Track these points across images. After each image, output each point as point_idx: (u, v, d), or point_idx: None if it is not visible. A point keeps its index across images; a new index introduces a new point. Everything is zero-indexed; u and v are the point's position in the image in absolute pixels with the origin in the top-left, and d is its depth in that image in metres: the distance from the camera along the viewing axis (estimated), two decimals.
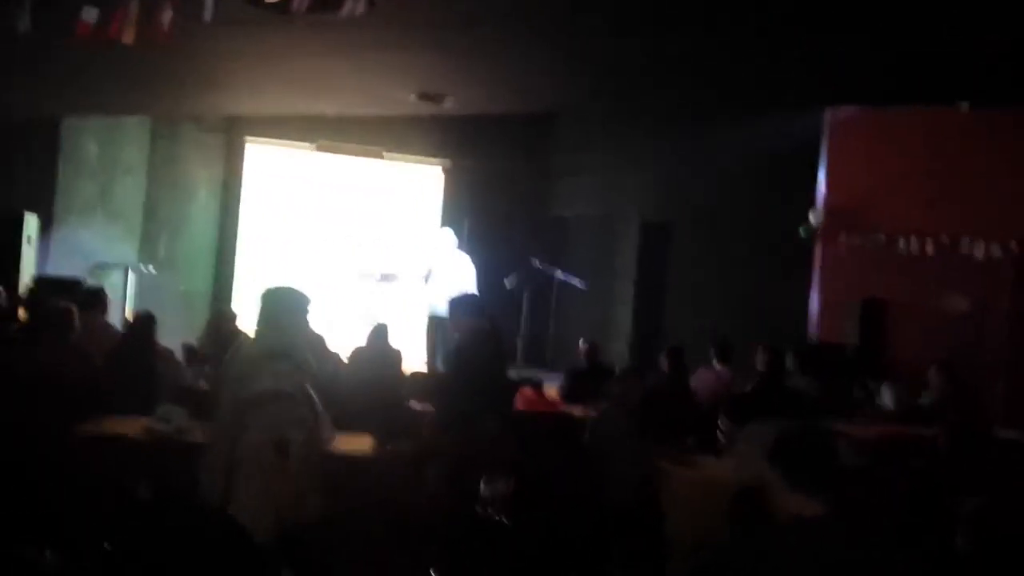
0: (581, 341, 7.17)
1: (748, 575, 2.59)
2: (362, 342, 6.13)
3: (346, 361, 5.95)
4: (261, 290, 3.85)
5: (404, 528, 3.74)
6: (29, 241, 8.47)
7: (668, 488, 4.30)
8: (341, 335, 7.66)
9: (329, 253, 9.84)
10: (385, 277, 8.81)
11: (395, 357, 5.87)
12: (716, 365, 7.07)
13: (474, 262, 8.75)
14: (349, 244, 9.18)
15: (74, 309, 5.51)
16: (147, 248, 10.55)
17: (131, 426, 4.04)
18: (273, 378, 3.53)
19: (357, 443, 4.22)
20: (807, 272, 8.90)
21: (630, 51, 5.91)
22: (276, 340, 3.61)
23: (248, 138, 11.24)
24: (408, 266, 8.78)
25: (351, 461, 4.09)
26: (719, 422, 4.89)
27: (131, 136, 10.43)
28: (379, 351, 5.87)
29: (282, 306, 3.71)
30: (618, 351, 10.07)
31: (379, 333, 6.07)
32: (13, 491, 3.09)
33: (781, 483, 2.73)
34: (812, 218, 8.68)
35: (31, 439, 3.78)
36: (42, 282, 7.91)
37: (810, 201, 8.88)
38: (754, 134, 9.30)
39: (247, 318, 7.35)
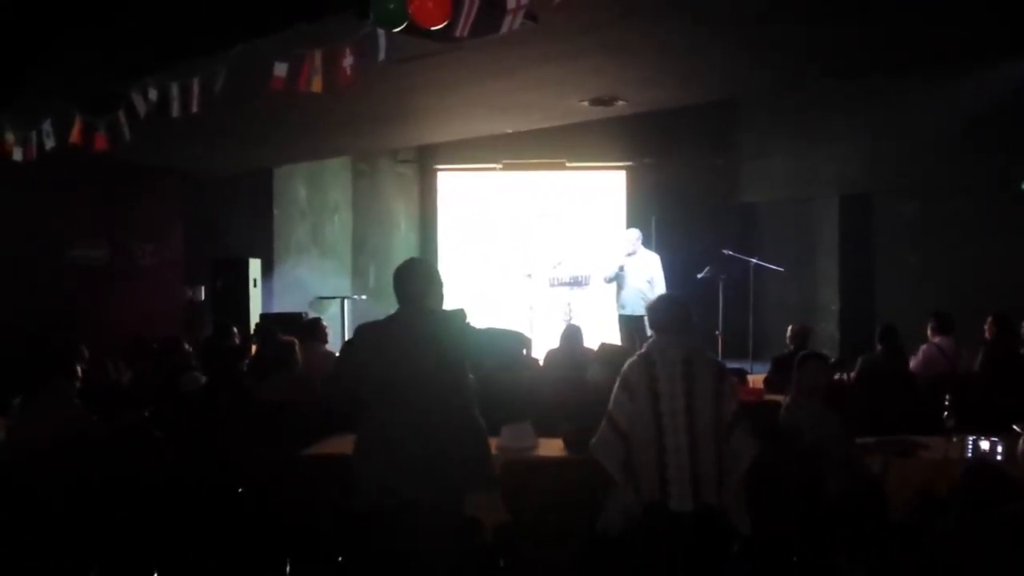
0: (790, 326, 6.91)
1: (981, 551, 2.42)
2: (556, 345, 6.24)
3: (542, 364, 6.08)
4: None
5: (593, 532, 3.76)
6: (255, 283, 9.30)
7: (891, 471, 4.08)
8: (541, 342, 7.84)
9: (522, 265, 10.10)
10: (575, 281, 8.91)
11: (589, 358, 5.92)
12: (936, 338, 6.62)
13: (664, 259, 8.67)
14: (547, 259, 9.39)
15: (296, 342, 6.02)
16: (358, 279, 11.31)
17: (349, 445, 4.33)
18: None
19: (553, 447, 4.28)
20: None
21: (801, 33, 5.68)
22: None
23: (439, 166, 11.80)
24: (598, 270, 8.83)
25: (547, 465, 4.17)
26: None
27: (335, 177, 11.24)
28: (572, 352, 5.95)
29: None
30: (828, 333, 9.66)
31: (572, 335, 6.15)
32: (248, 514, 3.39)
33: None
34: None
35: (263, 465, 4.16)
36: (268, 319, 8.66)
37: None
38: (951, 93, 8.68)
39: None
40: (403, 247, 11.87)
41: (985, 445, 3.87)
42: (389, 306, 11.40)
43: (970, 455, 3.88)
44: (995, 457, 3.79)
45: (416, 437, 3.20)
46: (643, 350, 3.80)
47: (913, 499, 3.90)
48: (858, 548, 4.03)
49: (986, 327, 6.60)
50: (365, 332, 3.47)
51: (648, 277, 8.36)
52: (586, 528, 3.77)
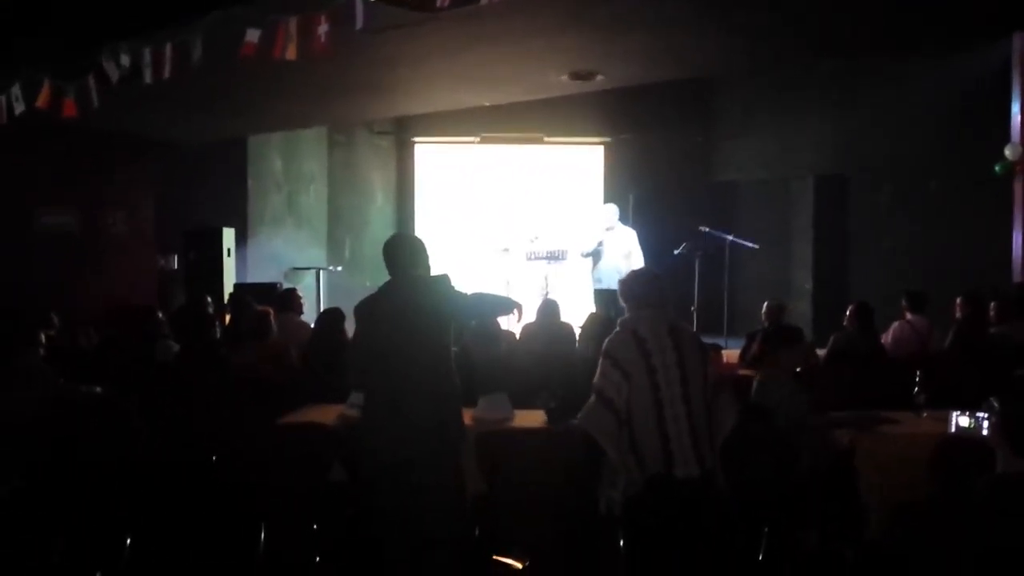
0: (765, 303, 6.95)
1: (960, 526, 2.46)
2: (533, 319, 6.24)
3: (518, 338, 6.08)
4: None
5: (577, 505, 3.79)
6: (229, 253, 9.21)
7: (862, 447, 4.13)
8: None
9: (499, 239, 10.08)
10: (552, 256, 8.92)
11: (566, 331, 5.93)
12: (909, 316, 6.70)
13: (641, 234, 8.70)
14: (525, 233, 9.37)
15: (271, 312, 5.98)
16: (333, 250, 11.24)
17: (326, 413, 4.32)
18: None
19: (531, 419, 4.29)
20: (1007, 213, 8.21)
21: (778, 12, 5.68)
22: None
23: (416, 138, 11.71)
24: (575, 244, 8.85)
25: (525, 437, 4.17)
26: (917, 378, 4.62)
27: (311, 147, 11.12)
28: (550, 326, 5.96)
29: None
30: (800, 312, 9.74)
31: (549, 308, 6.16)
32: (224, 481, 3.41)
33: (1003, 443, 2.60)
34: (1009, 152, 7.99)
35: (239, 433, 4.14)
36: (242, 289, 8.59)
37: (1004, 136, 8.18)
38: (930, 75, 8.72)
39: None
40: (379, 219, 11.81)
41: (965, 421, 3.90)
42: (364, 278, 11.34)
43: (953, 430, 3.91)
44: (980, 432, 3.80)
45: (411, 400, 3.41)
46: (629, 325, 3.77)
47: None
48: (828, 522, 4.09)
49: (957, 306, 6.68)
50: (361, 309, 3.69)
51: (625, 252, 8.39)
52: (571, 501, 3.80)
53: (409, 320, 3.48)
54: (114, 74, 5.59)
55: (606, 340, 3.81)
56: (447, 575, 3.43)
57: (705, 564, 3.55)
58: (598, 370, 3.73)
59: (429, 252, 3.71)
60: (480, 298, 3.83)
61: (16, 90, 6.05)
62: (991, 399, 2.73)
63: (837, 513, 4.12)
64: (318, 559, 3.81)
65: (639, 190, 10.85)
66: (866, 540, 3.94)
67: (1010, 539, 2.43)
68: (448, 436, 3.47)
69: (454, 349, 3.69)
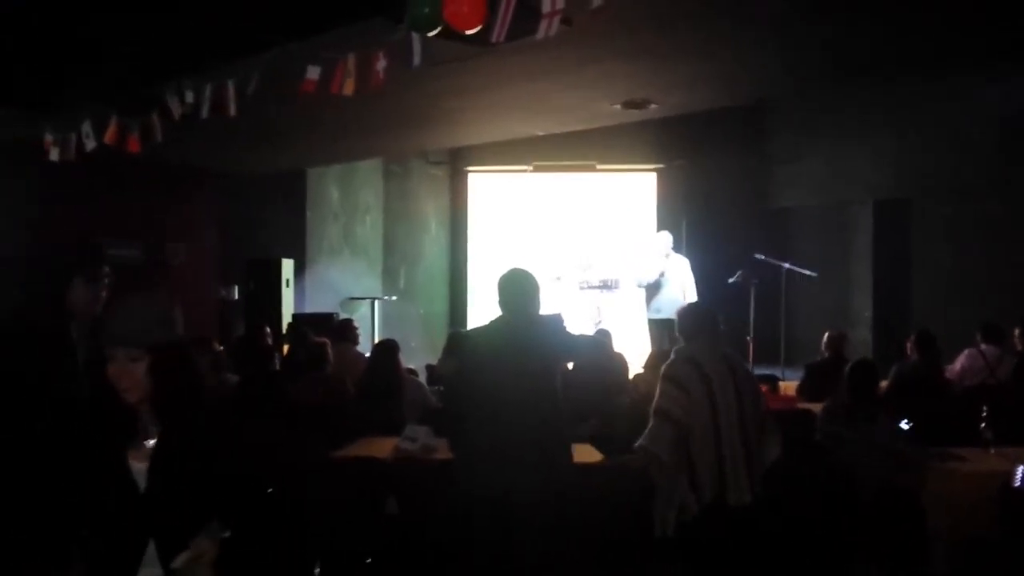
0: (826, 333, 6.81)
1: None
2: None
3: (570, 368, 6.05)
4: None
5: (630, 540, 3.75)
6: (287, 283, 9.36)
7: (928, 482, 4.03)
8: None
9: (552, 267, 10.09)
10: (605, 285, 8.88)
11: (619, 362, 5.89)
12: (983, 346, 6.50)
13: (695, 262, 8.63)
14: (577, 262, 9.35)
15: (328, 343, 6.05)
16: (388, 280, 11.35)
17: (380, 447, 4.35)
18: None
19: (582, 452, 4.25)
20: None
21: (837, 32, 5.61)
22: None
23: (470, 168, 11.81)
24: (628, 273, 8.80)
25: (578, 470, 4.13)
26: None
27: (367, 178, 11.29)
28: (602, 357, 5.92)
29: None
30: (861, 338, 9.53)
31: (603, 339, 6.13)
32: (279, 513, 3.43)
33: None
34: None
35: (295, 465, 4.19)
36: (300, 319, 8.71)
37: None
38: (986, 96, 8.51)
39: None
40: (434, 248, 11.91)
41: None
42: (418, 306, 11.34)
43: (1018, 484, 3.78)
44: None
45: (516, 439, 3.38)
46: (686, 353, 3.84)
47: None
48: (893, 558, 3.98)
49: (1016, 336, 6.49)
50: (470, 341, 3.75)
51: (681, 281, 8.32)
52: (624, 531, 3.77)
53: (519, 359, 3.46)
54: (177, 110, 5.76)
55: (664, 366, 3.89)
56: None
57: None
58: (657, 394, 3.78)
59: (540, 289, 3.68)
60: (585, 340, 3.88)
61: (87, 127, 6.27)
62: None
63: (900, 547, 4.02)
64: None
65: (692, 217, 10.78)
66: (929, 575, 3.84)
67: None
68: (553, 476, 3.41)
69: None
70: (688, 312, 4.09)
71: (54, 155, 6.43)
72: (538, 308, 3.62)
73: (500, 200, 11.85)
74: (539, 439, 3.40)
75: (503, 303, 3.62)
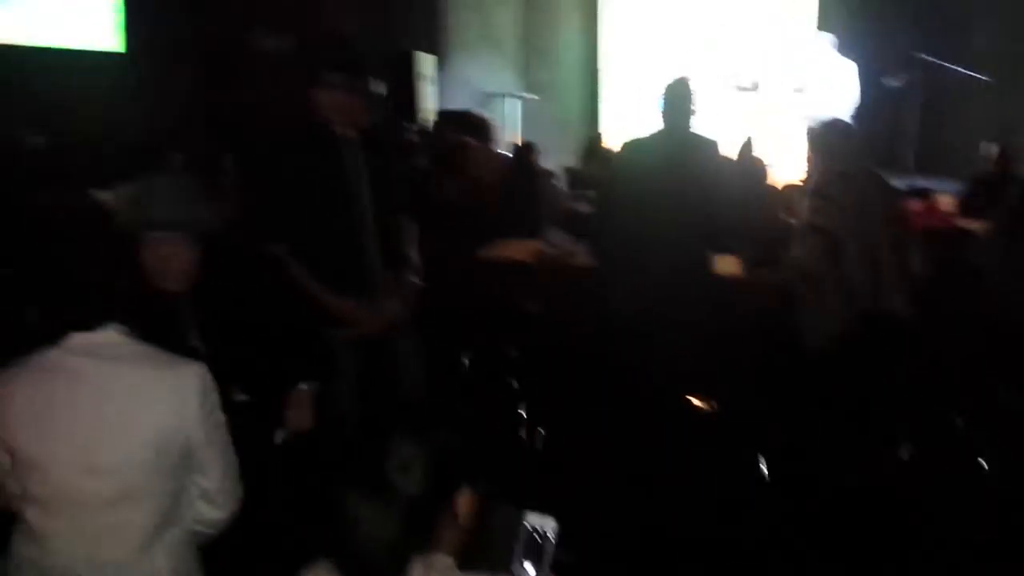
0: (991, 145, 6.32)
1: None
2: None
3: None
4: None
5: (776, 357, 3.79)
6: (425, 78, 9.32)
7: None
8: None
9: (691, 62, 9.59)
10: (751, 86, 8.44)
11: (761, 170, 5.71)
12: None
13: (854, 61, 8.03)
14: (706, 48, 8.82)
15: (471, 143, 6.08)
16: (526, 75, 11.13)
17: (521, 249, 4.46)
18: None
19: (723, 263, 4.22)
20: None
21: None
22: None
23: None
24: (774, 74, 8.30)
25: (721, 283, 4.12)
26: None
27: None
28: (744, 164, 5.73)
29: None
30: None
31: (745, 145, 5.92)
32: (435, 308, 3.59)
33: None
34: None
35: (442, 263, 4.36)
36: (441, 116, 8.74)
37: None
38: None
39: (615, 140, 7.57)
40: (573, 42, 11.50)
41: None
42: (556, 105, 11.16)
43: None
44: None
45: (669, 259, 3.41)
46: (830, 167, 3.74)
47: None
48: None
49: None
50: (627, 152, 3.65)
51: (840, 86, 7.78)
52: (765, 345, 3.83)
53: (675, 180, 3.43)
54: None
55: (808, 181, 3.82)
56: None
57: (907, 399, 3.56)
58: (805, 208, 3.73)
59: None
60: (735, 173, 3.83)
61: None
62: None
63: None
64: (516, 384, 4.05)
65: (854, 13, 9.88)
66: None
67: None
68: (700, 295, 3.44)
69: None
70: (826, 130, 3.94)
71: None
72: (690, 120, 3.55)
73: None
74: (689, 260, 3.43)
75: (665, 114, 3.54)
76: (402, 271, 3.05)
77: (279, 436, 2.29)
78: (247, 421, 2.19)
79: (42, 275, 1.90)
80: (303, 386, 2.32)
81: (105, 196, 4.51)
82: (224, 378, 2.04)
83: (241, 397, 2.27)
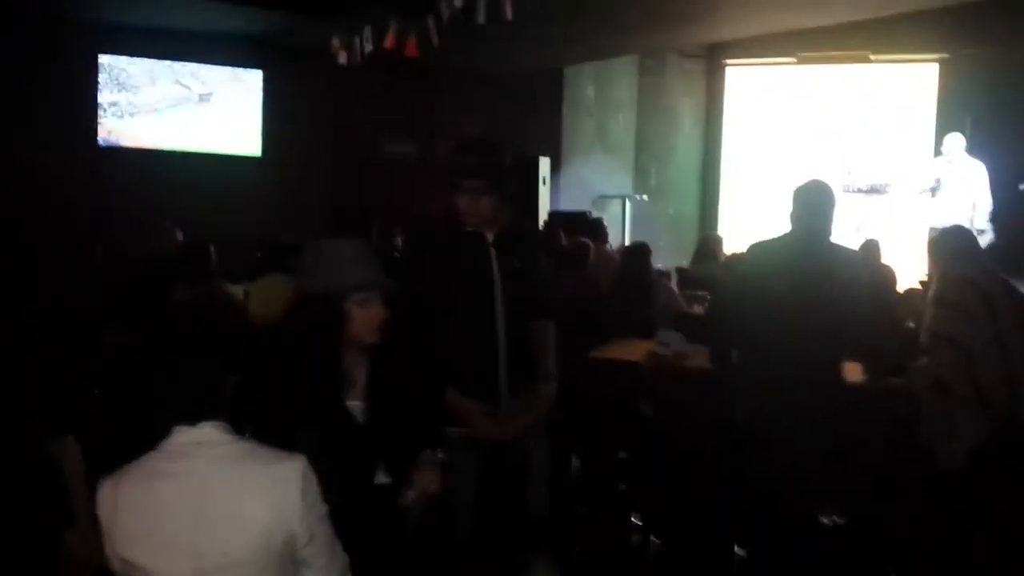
0: None
1: None
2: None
3: None
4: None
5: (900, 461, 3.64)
6: (544, 182, 9.61)
7: None
8: None
9: (814, 167, 9.56)
10: (873, 189, 8.33)
11: (888, 275, 5.59)
12: None
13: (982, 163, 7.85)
14: (839, 163, 8.79)
15: (590, 244, 6.19)
16: (640, 178, 11.32)
17: (634, 350, 4.46)
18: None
19: (848, 371, 4.11)
20: None
21: None
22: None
23: (727, 61, 11.32)
24: (902, 176, 8.17)
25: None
26: None
27: (621, 74, 11.18)
28: (871, 270, 5.63)
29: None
30: None
31: (869, 248, 5.83)
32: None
33: None
34: None
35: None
36: (556, 217, 8.95)
37: None
38: None
39: (732, 240, 7.56)
40: (686, 147, 11.66)
41: None
42: (667, 206, 11.26)
43: None
44: None
45: (793, 365, 3.23)
46: (957, 274, 3.64)
47: None
48: None
49: None
50: (754, 255, 3.51)
51: (970, 188, 7.59)
52: (893, 457, 3.69)
53: (812, 286, 3.25)
54: (446, 13, 6.03)
55: (932, 290, 3.71)
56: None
57: None
58: (928, 318, 3.62)
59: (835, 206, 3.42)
60: (877, 295, 3.74)
61: (367, 32, 6.72)
62: None
63: None
64: (623, 487, 4.01)
65: (980, 114, 9.70)
66: None
67: None
68: (830, 401, 3.27)
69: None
70: (948, 236, 3.89)
71: (342, 59, 6.98)
72: (831, 226, 3.36)
73: (759, 96, 11.29)
74: (818, 368, 3.26)
75: (797, 216, 3.38)
76: (538, 380, 2.96)
77: (406, 497, 2.32)
78: (387, 504, 2.25)
79: (161, 365, 1.97)
80: (433, 452, 2.37)
81: (236, 290, 4.81)
82: (371, 455, 2.09)
83: (383, 480, 2.32)
